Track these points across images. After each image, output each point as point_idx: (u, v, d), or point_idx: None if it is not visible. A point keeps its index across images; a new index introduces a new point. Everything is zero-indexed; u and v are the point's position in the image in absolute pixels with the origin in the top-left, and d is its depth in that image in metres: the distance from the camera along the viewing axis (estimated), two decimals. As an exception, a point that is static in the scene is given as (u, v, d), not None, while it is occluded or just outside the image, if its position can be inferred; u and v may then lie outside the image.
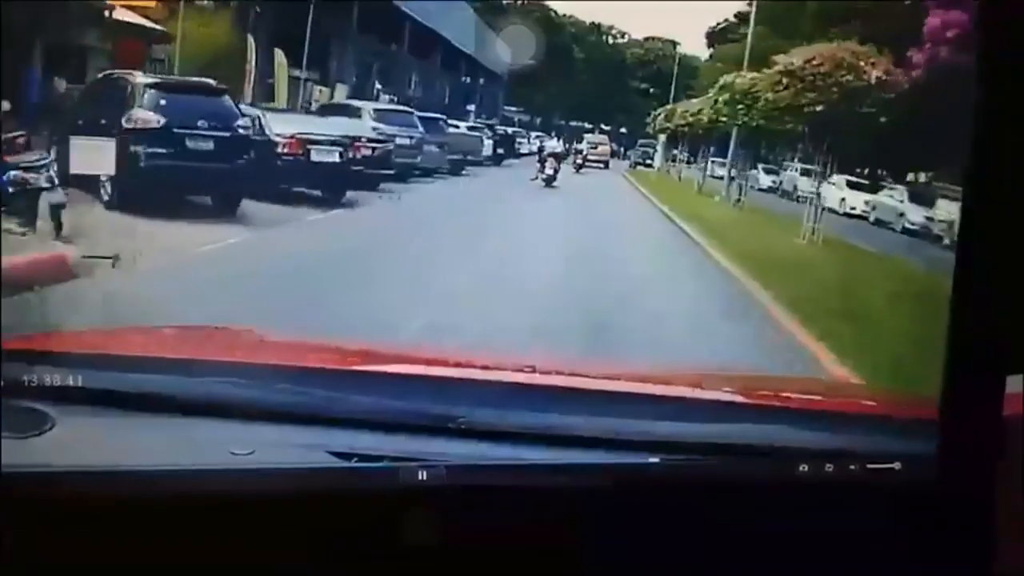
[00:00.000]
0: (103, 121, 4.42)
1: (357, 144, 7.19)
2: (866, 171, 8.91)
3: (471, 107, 15.02)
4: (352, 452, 1.67)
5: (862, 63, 5.90)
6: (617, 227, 8.05)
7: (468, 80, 15.75)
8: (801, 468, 1.81)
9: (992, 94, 1.79)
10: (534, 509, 1.73)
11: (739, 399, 2.26)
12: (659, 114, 13.77)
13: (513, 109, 15.42)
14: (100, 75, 5.10)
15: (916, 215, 6.58)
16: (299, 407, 1.77)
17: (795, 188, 10.18)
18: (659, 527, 1.77)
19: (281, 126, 6.69)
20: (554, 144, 12.77)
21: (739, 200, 9.28)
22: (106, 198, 4.31)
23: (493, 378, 2.08)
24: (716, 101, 8.35)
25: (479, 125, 13.75)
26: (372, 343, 2.69)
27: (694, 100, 10.81)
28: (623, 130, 14.53)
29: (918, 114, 5.44)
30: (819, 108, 6.16)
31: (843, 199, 8.73)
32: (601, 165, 14.24)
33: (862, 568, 1.86)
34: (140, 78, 4.79)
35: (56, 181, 3.43)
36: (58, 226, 3.49)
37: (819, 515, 1.83)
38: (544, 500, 1.72)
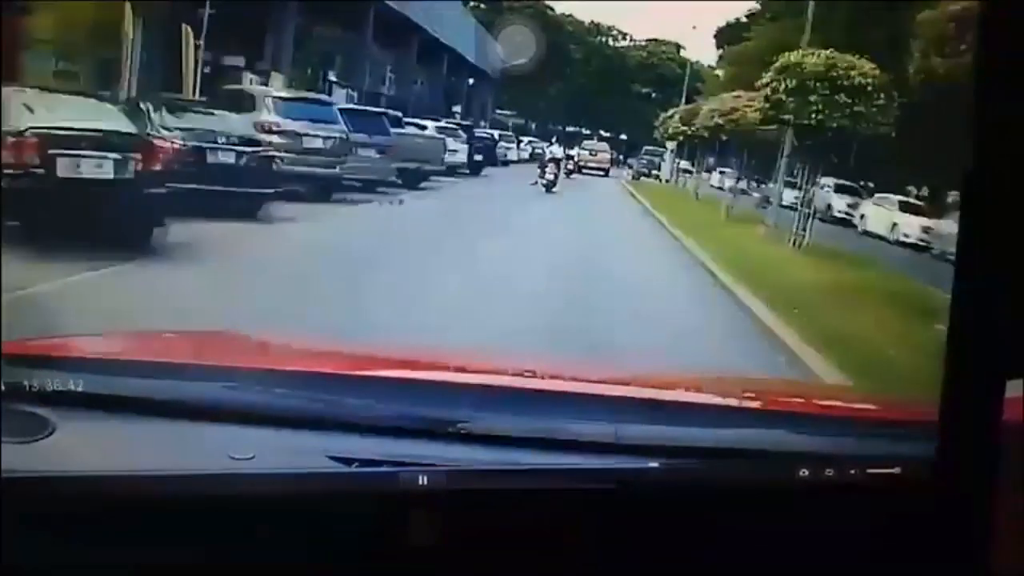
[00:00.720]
0: None
1: (213, 147, 4.69)
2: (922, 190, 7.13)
3: (457, 108, 13.96)
4: (352, 457, 1.67)
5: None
6: (627, 283, 5.37)
7: (454, 79, 14.67)
8: (801, 472, 1.81)
9: (992, 94, 1.79)
10: (535, 513, 1.73)
11: (739, 403, 2.27)
12: (671, 116, 11.78)
13: (506, 112, 14.90)
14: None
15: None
16: (299, 411, 1.77)
17: (829, 208, 8.35)
18: (659, 531, 1.77)
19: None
20: (555, 150, 12.74)
21: (803, 236, 6.73)
22: None
23: (494, 382, 2.08)
24: (775, 89, 6.11)
25: (451, 126, 12.10)
26: (373, 347, 2.69)
27: (732, 94, 8.80)
28: (623, 137, 14.19)
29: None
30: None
31: (895, 224, 7.04)
32: (601, 173, 13.82)
33: (862, 572, 1.86)
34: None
35: None
36: None
37: (819, 519, 1.83)
38: (544, 504, 1.73)
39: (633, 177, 13.56)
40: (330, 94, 11.17)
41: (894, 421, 2.12)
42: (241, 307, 3.69)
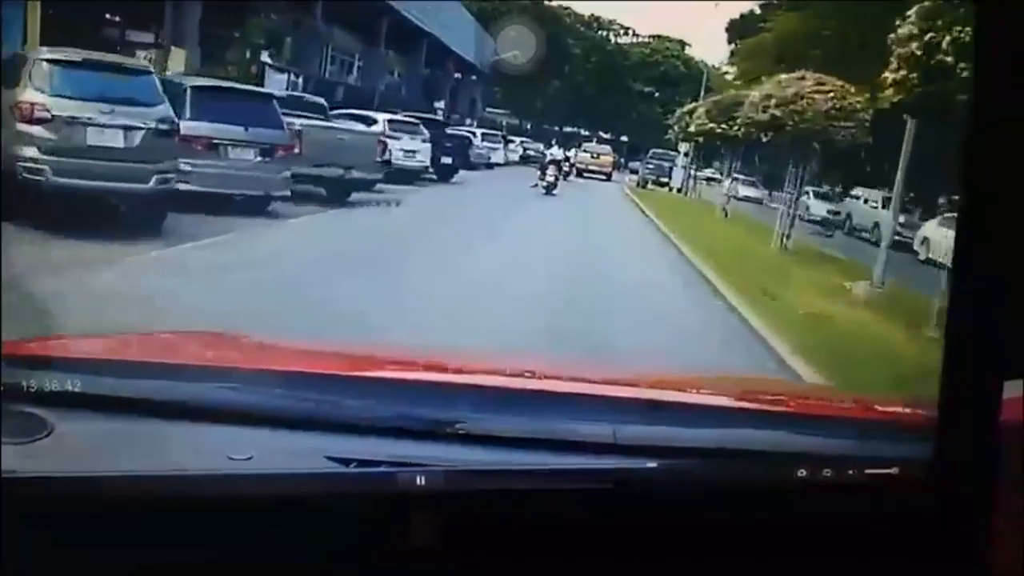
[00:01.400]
0: None
1: None
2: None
3: (440, 104, 12.44)
4: (350, 457, 1.67)
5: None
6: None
7: (438, 72, 13.04)
8: (799, 472, 1.81)
9: (990, 94, 1.79)
10: (533, 514, 1.73)
11: (738, 404, 2.27)
12: (690, 111, 9.94)
13: (499, 111, 13.64)
14: None
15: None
16: (297, 412, 1.77)
17: (876, 226, 6.72)
18: (657, 531, 1.77)
19: None
20: (555, 152, 12.61)
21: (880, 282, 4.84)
22: None
23: (492, 383, 2.08)
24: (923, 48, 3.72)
25: (408, 121, 9.78)
26: (372, 348, 2.69)
27: (793, 75, 6.49)
28: (623, 138, 13.39)
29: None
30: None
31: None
32: (603, 177, 13.03)
33: (861, 572, 1.86)
34: None
35: None
36: None
37: (817, 519, 1.83)
38: (543, 505, 1.73)
39: (638, 184, 12.48)
40: (262, 81, 8.08)
41: (892, 422, 2.12)
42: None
